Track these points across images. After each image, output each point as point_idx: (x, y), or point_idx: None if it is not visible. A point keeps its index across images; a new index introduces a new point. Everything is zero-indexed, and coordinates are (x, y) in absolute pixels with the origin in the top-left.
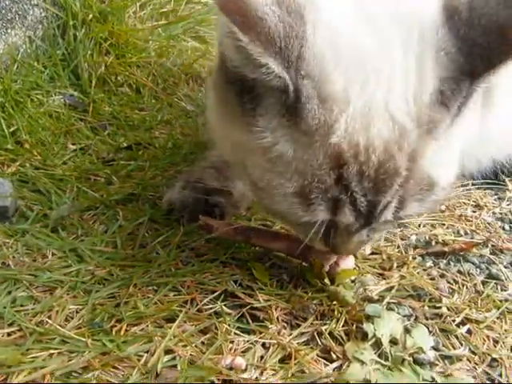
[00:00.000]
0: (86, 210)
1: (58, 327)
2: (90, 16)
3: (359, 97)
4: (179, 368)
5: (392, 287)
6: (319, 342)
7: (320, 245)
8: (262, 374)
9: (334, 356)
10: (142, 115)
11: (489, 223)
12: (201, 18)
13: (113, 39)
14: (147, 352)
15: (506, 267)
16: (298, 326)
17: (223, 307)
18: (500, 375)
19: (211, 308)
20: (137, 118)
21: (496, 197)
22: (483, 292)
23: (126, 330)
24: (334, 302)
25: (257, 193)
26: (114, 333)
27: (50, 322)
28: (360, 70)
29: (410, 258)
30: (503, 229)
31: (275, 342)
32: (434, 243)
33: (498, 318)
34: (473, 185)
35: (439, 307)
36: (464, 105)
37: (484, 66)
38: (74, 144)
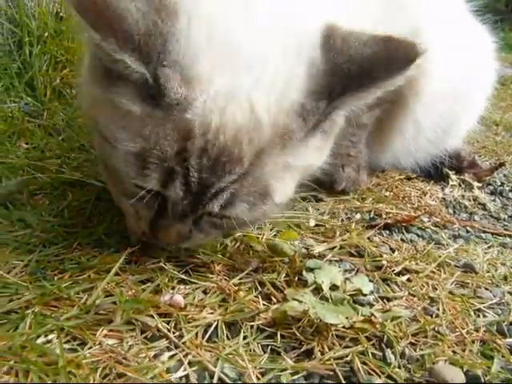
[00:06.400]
0: (36, 191)
1: (0, 273)
2: (46, 34)
3: (224, 82)
4: (117, 302)
5: (334, 247)
6: (260, 290)
7: (144, 224)
8: (201, 311)
9: (275, 300)
10: None
11: (432, 205)
12: None
13: (69, 55)
14: (87, 293)
15: (448, 238)
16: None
17: (166, 263)
18: (438, 309)
19: (154, 265)
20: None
21: (439, 186)
22: (424, 250)
23: (69, 277)
24: (276, 259)
25: (102, 144)
26: (55, 279)
27: None
28: (232, 60)
29: (353, 226)
30: (448, 213)
31: (215, 285)
32: (377, 218)
33: (437, 269)
34: (418, 177)
35: (379, 261)
36: (320, 124)
37: (340, 90)
38: (27, 144)
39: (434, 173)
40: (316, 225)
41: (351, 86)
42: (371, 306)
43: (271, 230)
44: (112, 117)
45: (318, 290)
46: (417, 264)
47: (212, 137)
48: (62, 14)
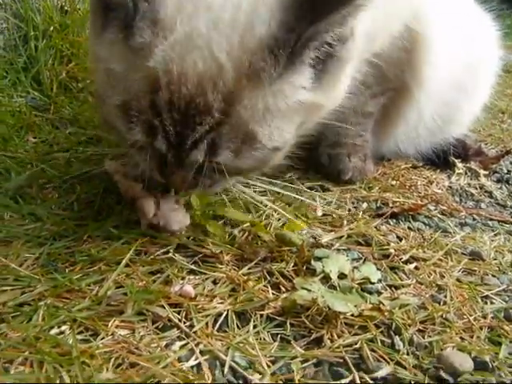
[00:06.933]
0: (45, 185)
1: (12, 267)
2: (51, 28)
3: (183, 27)
4: (128, 293)
5: (341, 236)
6: (269, 279)
7: (157, 174)
8: (211, 301)
9: (284, 289)
10: None
11: (438, 193)
12: None
13: (74, 49)
14: (98, 285)
15: (455, 226)
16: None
17: (176, 254)
18: (445, 297)
19: (164, 255)
20: (98, 119)
21: (446, 175)
22: (431, 238)
23: (80, 269)
24: (284, 248)
25: (98, 99)
26: (67, 271)
27: (3, 263)
28: (192, 2)
29: (360, 215)
30: (454, 201)
31: (224, 275)
32: (384, 207)
33: (444, 257)
34: (425, 165)
35: (387, 249)
36: (297, 58)
37: (311, 17)
38: (34, 137)
39: (439, 161)
40: (323, 214)
41: (321, 12)
42: (379, 294)
43: (279, 220)
44: (101, 72)
45: (326, 278)
46: (424, 252)
47: (175, 88)
48: (66, 8)
